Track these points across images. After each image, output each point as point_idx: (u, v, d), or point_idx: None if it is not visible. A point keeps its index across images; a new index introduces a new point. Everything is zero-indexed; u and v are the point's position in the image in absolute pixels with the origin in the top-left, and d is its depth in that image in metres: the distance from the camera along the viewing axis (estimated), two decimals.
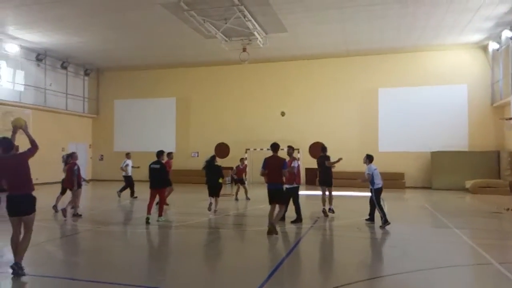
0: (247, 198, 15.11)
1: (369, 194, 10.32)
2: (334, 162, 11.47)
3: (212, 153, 16.17)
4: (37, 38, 19.98)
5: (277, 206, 8.74)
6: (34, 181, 5.91)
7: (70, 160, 11.60)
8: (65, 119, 24.74)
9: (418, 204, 15.25)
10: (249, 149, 23.33)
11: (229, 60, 22.80)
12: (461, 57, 21.54)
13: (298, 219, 10.11)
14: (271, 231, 8.56)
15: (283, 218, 9.84)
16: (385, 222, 9.51)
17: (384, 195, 15.65)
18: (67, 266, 6.64)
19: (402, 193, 18.96)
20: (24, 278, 5.54)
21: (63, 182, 11.83)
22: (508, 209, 12.65)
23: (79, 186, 11.38)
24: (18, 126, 5.95)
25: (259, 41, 18.50)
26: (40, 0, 15.11)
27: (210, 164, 12.53)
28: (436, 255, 7.12)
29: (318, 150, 13.08)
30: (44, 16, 16.90)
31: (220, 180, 12.47)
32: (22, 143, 6.41)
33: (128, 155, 16.39)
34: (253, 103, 24.40)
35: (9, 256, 5.94)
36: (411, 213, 13.14)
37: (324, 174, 11.59)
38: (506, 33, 18.11)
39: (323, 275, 6.31)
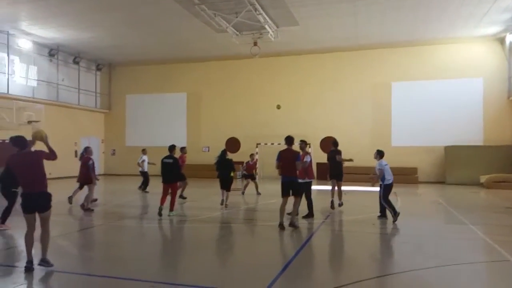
0: (258, 193, 15.05)
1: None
2: (345, 160, 11.65)
3: (223, 147, 16.13)
4: (50, 33, 20.11)
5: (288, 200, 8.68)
6: (47, 176, 5.92)
7: (84, 155, 11.67)
8: (77, 114, 24.94)
9: (431, 199, 15.03)
10: (260, 144, 23.26)
11: (240, 54, 22.68)
12: (477, 50, 21.11)
13: (310, 214, 10.03)
14: (283, 225, 8.58)
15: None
16: (395, 214, 9.44)
17: (397, 190, 15.48)
18: (79, 260, 6.67)
19: (415, 188, 18.73)
20: (37, 272, 5.58)
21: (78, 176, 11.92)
22: None
23: (91, 180, 11.43)
24: (39, 138, 6.02)
25: (270, 34, 18.34)
26: None
27: (222, 158, 12.53)
28: (451, 252, 6.98)
29: (329, 144, 13.04)
30: (56, 12, 16.99)
31: (232, 174, 12.47)
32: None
33: (144, 151, 16.50)
34: (264, 97, 24.26)
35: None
36: (425, 209, 12.95)
37: (335, 168, 11.69)
38: None
39: (335, 272, 6.23)
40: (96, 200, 12.05)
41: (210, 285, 5.24)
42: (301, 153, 9.38)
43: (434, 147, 21.39)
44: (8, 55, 20.12)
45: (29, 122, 20.46)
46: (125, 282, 5.36)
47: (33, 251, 5.72)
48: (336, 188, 11.80)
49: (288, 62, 23.91)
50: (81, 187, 11.95)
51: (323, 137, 20.96)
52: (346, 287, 5.12)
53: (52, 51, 22.50)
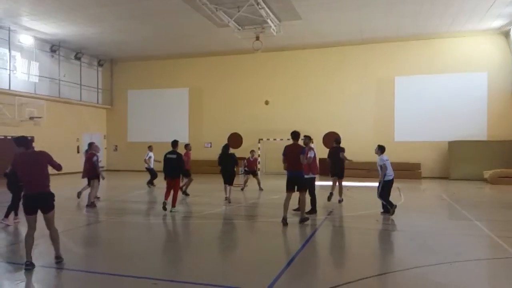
0: (260, 189, 14.98)
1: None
2: (347, 159, 11.77)
3: (225, 143, 16.07)
4: (51, 29, 20.03)
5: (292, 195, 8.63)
6: (50, 172, 5.88)
7: (88, 151, 11.62)
8: (79, 110, 24.91)
9: (435, 194, 14.94)
10: (262, 139, 23.18)
11: (242, 49, 22.54)
12: (481, 44, 20.90)
13: (313, 210, 9.97)
14: (286, 221, 8.57)
15: (314, 210, 9.83)
16: (391, 207, 9.56)
17: (400, 185, 15.38)
18: (80, 257, 6.63)
19: (419, 184, 18.62)
20: (38, 270, 5.54)
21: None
22: None
23: (95, 176, 11.38)
24: None
25: (273, 29, 18.20)
26: None
27: (224, 153, 12.51)
28: (456, 248, 6.89)
29: (332, 140, 13.00)
30: (58, 7, 16.89)
31: (235, 168, 12.51)
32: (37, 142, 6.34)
33: (150, 148, 16.58)
34: (267, 92, 24.14)
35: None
36: (429, 204, 12.86)
37: (336, 166, 11.73)
38: None
39: (339, 269, 6.17)
40: (98, 198, 12.01)
41: (213, 282, 5.18)
42: (306, 148, 9.33)
43: (438, 142, 21.25)
44: (9, 51, 20.07)
45: (31, 118, 20.47)
46: (127, 279, 5.30)
47: (32, 252, 5.67)
48: (337, 184, 11.79)
49: (291, 56, 23.75)
50: (89, 183, 11.91)
51: (326, 132, 20.87)
52: (350, 284, 5.05)
53: (54, 47, 22.42)
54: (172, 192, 10.39)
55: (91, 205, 11.05)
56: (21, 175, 5.72)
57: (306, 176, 9.51)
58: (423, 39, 21.34)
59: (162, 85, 26.37)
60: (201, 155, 24.17)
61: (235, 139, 22.33)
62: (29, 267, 5.46)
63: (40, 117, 20.69)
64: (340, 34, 20.82)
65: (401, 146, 21.19)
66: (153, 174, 16.07)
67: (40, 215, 5.67)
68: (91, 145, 11.72)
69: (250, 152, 15.71)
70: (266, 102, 21.42)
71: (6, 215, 8.65)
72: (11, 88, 20.01)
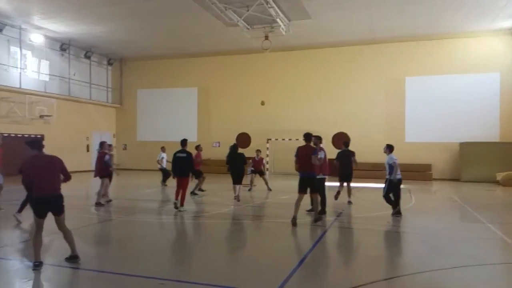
0: (269, 189, 14.85)
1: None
2: (357, 163, 11.73)
3: (234, 142, 16.02)
4: (61, 28, 20.15)
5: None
6: None
7: (99, 150, 11.63)
8: (89, 108, 25.03)
9: (446, 196, 14.73)
10: (270, 139, 23.08)
11: (250, 48, 22.45)
12: (493, 44, 20.58)
13: (322, 211, 9.85)
14: (296, 221, 8.48)
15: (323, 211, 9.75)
16: (395, 208, 9.68)
17: (411, 187, 15.19)
18: (88, 256, 6.59)
19: (430, 185, 18.38)
20: (46, 269, 5.52)
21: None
22: None
23: (105, 175, 11.38)
24: None
25: (282, 28, 18.09)
26: None
27: (233, 152, 12.46)
28: (469, 252, 6.74)
29: (341, 141, 12.90)
30: (67, 5, 16.99)
31: (244, 168, 12.57)
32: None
33: (163, 149, 16.74)
34: (275, 92, 24.04)
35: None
36: (440, 206, 12.66)
37: (346, 169, 11.64)
38: None
39: (349, 271, 6.03)
40: (110, 201, 11.95)
41: (220, 283, 5.10)
42: (317, 149, 9.26)
43: (449, 143, 20.97)
44: (20, 49, 20.22)
45: (41, 116, 20.62)
46: (134, 279, 5.24)
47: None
48: (344, 184, 11.69)
49: (300, 56, 23.62)
50: (109, 180, 11.89)
51: (335, 132, 20.70)
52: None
53: (64, 46, 22.56)
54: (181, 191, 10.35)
55: (99, 203, 11.05)
56: (33, 177, 5.63)
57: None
58: (434, 39, 21.07)
59: (171, 84, 26.41)
60: (209, 155, 24.09)
61: (243, 139, 22.27)
62: (38, 267, 5.45)
63: (50, 116, 20.83)
64: (350, 34, 20.64)
65: (411, 147, 20.96)
66: (166, 173, 16.19)
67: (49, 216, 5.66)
68: (102, 144, 11.72)
69: (256, 152, 15.60)
70: (262, 103, 21.21)
71: (20, 210, 8.68)
72: (22, 87, 20.17)
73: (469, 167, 19.85)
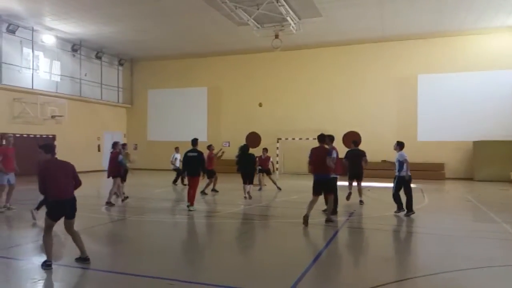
0: (278, 188, 14.72)
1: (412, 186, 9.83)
2: (366, 163, 11.61)
3: (244, 142, 15.96)
4: (72, 28, 20.30)
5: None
6: None
7: (112, 150, 11.66)
8: (99, 108, 25.19)
9: (460, 196, 14.48)
10: (280, 139, 22.96)
11: (261, 47, 22.37)
12: (507, 41, 20.16)
13: (334, 211, 9.73)
14: (307, 220, 8.33)
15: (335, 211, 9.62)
16: (399, 210, 9.68)
17: (424, 186, 14.97)
18: (97, 257, 6.58)
19: (443, 185, 18.09)
20: (56, 269, 5.51)
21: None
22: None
23: (118, 175, 11.40)
24: None
25: (292, 27, 17.98)
26: None
27: (244, 153, 12.42)
28: (485, 253, 6.57)
29: (351, 140, 12.78)
30: (78, 6, 17.10)
31: (255, 167, 12.64)
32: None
33: (177, 149, 16.92)
34: (286, 91, 23.92)
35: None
36: (454, 206, 12.45)
37: (356, 168, 11.51)
38: None
39: (361, 272, 5.90)
40: (126, 198, 11.98)
41: (230, 284, 5.02)
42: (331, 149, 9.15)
43: (462, 142, 20.63)
44: (32, 50, 20.42)
45: (53, 117, 20.81)
46: (143, 280, 5.20)
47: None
48: (355, 184, 11.55)
49: (310, 55, 23.45)
50: (123, 180, 11.93)
51: (345, 131, 20.48)
52: None
53: (75, 46, 22.72)
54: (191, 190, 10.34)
55: (109, 203, 11.07)
56: (49, 181, 5.64)
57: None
58: (447, 36, 20.75)
59: (181, 84, 26.46)
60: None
61: (253, 138, 22.13)
62: (49, 267, 5.46)
63: (61, 116, 21.01)
64: (361, 31, 20.42)
65: (424, 145, 20.68)
66: (179, 173, 16.25)
67: None
68: (115, 144, 11.73)
69: (262, 150, 15.47)
70: (260, 105, 21.10)
71: (38, 208, 8.74)
72: (34, 87, 20.37)
73: (482, 166, 19.51)
